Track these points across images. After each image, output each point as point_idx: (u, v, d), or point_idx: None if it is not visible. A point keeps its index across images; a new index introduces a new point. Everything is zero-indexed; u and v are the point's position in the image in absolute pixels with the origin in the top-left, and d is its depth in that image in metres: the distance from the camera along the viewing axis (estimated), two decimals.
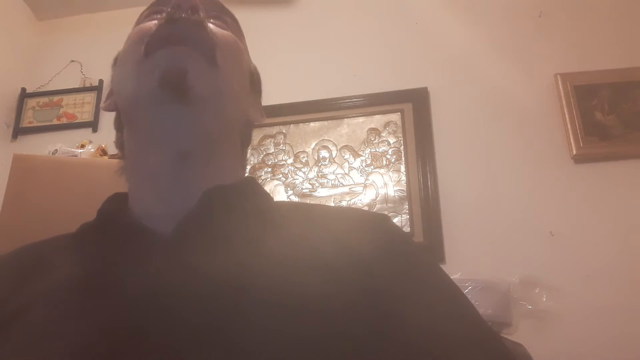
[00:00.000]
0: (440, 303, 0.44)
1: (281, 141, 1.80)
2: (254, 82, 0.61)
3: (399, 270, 0.44)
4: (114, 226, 0.48)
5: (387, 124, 1.74)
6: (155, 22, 0.51)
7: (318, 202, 1.65)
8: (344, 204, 1.67)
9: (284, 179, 1.74)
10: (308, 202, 1.66)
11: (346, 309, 0.38)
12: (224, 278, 0.39)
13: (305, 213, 0.53)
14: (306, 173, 1.74)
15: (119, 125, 0.58)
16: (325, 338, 0.36)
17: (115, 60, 0.58)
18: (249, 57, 0.61)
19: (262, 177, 1.75)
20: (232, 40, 0.54)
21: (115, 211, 0.50)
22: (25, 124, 2.01)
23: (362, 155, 1.72)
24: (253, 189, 0.54)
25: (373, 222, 0.51)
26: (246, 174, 0.61)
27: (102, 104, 0.60)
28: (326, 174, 1.72)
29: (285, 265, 0.41)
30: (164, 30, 0.49)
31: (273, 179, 1.74)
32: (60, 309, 0.40)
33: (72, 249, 0.48)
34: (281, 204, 0.56)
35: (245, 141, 0.61)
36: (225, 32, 0.53)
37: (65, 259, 0.47)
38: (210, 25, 0.52)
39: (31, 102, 2.04)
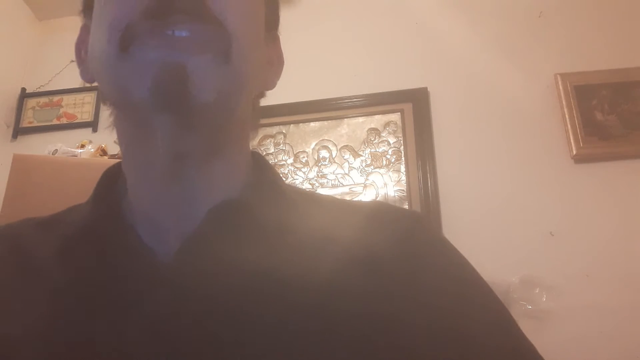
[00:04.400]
0: (478, 324, 0.39)
1: (281, 141, 1.80)
2: (270, 22, 0.48)
3: (424, 281, 0.40)
4: (109, 244, 0.41)
5: (387, 124, 1.74)
6: None
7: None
8: None
9: (284, 179, 1.74)
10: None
11: (365, 327, 0.35)
12: (230, 306, 0.36)
13: (326, 212, 0.47)
14: (306, 173, 1.74)
15: (104, 96, 0.46)
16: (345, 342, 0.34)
17: (85, 7, 0.46)
18: None
19: None
20: (247, 13, 0.41)
21: (109, 218, 0.43)
22: (25, 124, 2.01)
23: (362, 155, 1.72)
24: (264, 190, 0.46)
25: (403, 226, 0.45)
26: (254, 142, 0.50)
27: (78, 66, 0.49)
28: (326, 174, 1.72)
29: (300, 282, 0.37)
30: (150, 24, 0.36)
31: None
32: (58, 336, 0.36)
33: (62, 259, 0.42)
34: (299, 198, 0.48)
35: (257, 115, 0.50)
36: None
37: (55, 271, 0.41)
38: None
39: (31, 102, 2.04)
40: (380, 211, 0.47)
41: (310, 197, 0.51)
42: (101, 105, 1.93)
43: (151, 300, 0.37)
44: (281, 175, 0.53)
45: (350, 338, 0.35)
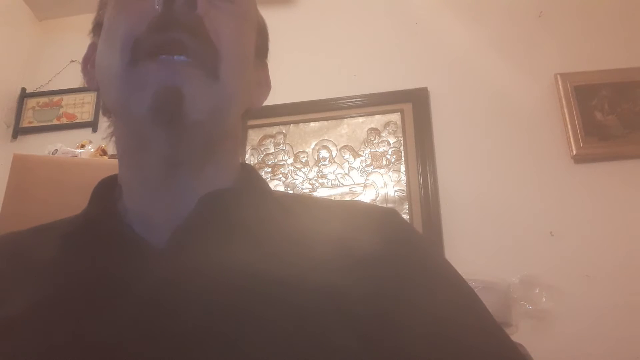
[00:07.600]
0: (450, 309, 0.41)
1: (281, 141, 1.80)
2: (261, 49, 0.55)
3: (404, 272, 0.42)
4: (104, 234, 0.44)
5: (387, 124, 1.74)
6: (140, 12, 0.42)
7: None
8: None
9: (284, 179, 1.74)
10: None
11: (347, 311, 0.37)
12: (221, 291, 0.38)
13: (308, 210, 0.50)
14: (306, 173, 1.74)
15: (105, 108, 0.51)
16: (328, 337, 0.35)
17: (95, 26, 0.52)
18: (255, 11, 0.53)
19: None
20: (237, 36, 0.47)
21: (105, 214, 0.46)
22: (25, 124, 2.01)
23: (362, 155, 1.72)
24: (251, 187, 0.50)
25: (379, 219, 0.47)
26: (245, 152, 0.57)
27: (83, 77, 0.55)
28: (326, 174, 1.72)
29: (284, 273, 0.39)
30: (154, 37, 0.41)
31: (273, 179, 1.74)
32: (53, 321, 0.38)
33: (60, 252, 0.45)
34: (283, 198, 0.52)
35: (246, 124, 0.55)
36: (228, 23, 0.45)
37: (53, 264, 0.43)
38: (211, 14, 0.43)
39: (31, 102, 2.04)
40: (358, 208, 0.51)
41: (295, 198, 0.55)
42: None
43: (144, 285, 0.38)
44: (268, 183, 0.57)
45: (324, 332, 0.36)
